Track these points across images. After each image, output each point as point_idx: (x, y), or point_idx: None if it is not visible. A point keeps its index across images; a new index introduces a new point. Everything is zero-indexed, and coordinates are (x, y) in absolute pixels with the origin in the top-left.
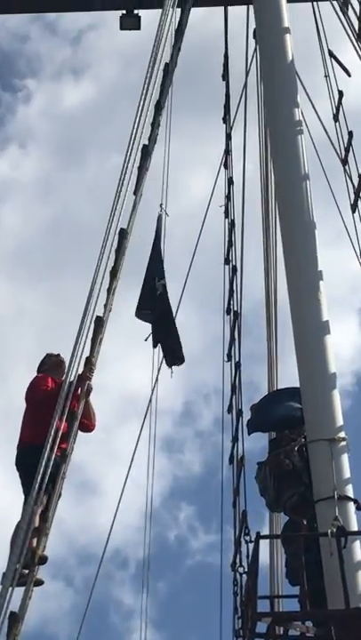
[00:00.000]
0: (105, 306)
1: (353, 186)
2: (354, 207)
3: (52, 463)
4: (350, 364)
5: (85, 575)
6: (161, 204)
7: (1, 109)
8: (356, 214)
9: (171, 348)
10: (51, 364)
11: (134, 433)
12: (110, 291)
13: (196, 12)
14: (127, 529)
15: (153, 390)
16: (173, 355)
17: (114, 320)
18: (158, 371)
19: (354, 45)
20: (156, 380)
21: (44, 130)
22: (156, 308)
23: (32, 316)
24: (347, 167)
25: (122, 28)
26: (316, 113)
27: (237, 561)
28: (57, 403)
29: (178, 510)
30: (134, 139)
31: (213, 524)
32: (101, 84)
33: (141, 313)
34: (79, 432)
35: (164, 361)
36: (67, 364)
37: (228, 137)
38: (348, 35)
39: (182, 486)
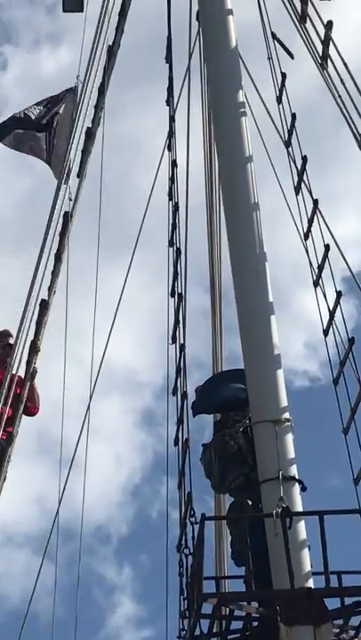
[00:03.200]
0: (49, 289)
1: (296, 168)
2: (297, 189)
3: None
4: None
5: (68, 551)
6: (78, 76)
7: None
8: (300, 196)
9: None
10: None
11: (115, 406)
12: (55, 273)
13: None
14: (109, 505)
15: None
16: None
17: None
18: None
19: (297, 28)
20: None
21: (20, 98)
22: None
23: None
24: (290, 149)
25: (64, 9)
26: (260, 95)
27: (183, 542)
28: (1, 386)
29: (160, 484)
30: (77, 122)
31: (199, 497)
32: (79, 51)
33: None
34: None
35: None
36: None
37: (172, 119)
38: (291, 17)
39: (164, 460)
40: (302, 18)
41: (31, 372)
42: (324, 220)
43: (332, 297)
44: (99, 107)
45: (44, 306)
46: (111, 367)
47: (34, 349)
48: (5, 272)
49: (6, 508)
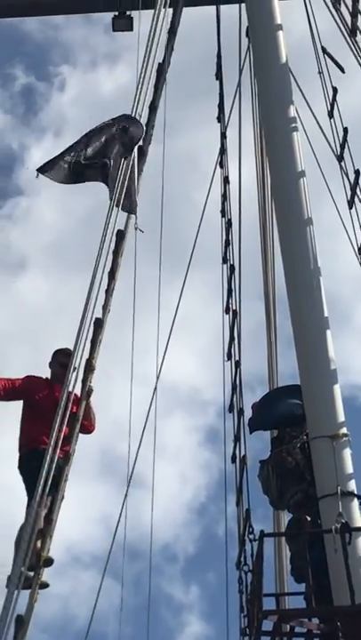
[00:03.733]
0: (104, 307)
1: (349, 182)
2: (351, 203)
3: (54, 465)
4: None
5: (135, 571)
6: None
7: (36, 97)
8: (353, 210)
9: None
10: (54, 371)
11: (179, 425)
12: (109, 292)
13: (188, 12)
14: (175, 523)
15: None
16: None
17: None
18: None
19: (347, 41)
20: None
21: (78, 118)
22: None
23: (70, 310)
24: (343, 163)
25: (114, 29)
26: (311, 110)
27: (242, 559)
28: (58, 406)
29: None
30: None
31: (258, 514)
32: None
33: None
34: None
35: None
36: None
37: (223, 136)
38: (341, 31)
39: (228, 479)
40: (352, 31)
41: (87, 391)
42: None
43: None
44: (150, 125)
45: (99, 324)
46: (174, 385)
47: (89, 368)
48: (67, 292)
49: (72, 528)
